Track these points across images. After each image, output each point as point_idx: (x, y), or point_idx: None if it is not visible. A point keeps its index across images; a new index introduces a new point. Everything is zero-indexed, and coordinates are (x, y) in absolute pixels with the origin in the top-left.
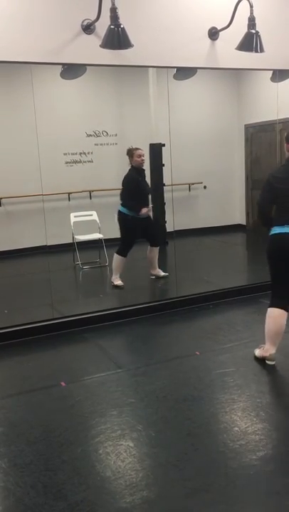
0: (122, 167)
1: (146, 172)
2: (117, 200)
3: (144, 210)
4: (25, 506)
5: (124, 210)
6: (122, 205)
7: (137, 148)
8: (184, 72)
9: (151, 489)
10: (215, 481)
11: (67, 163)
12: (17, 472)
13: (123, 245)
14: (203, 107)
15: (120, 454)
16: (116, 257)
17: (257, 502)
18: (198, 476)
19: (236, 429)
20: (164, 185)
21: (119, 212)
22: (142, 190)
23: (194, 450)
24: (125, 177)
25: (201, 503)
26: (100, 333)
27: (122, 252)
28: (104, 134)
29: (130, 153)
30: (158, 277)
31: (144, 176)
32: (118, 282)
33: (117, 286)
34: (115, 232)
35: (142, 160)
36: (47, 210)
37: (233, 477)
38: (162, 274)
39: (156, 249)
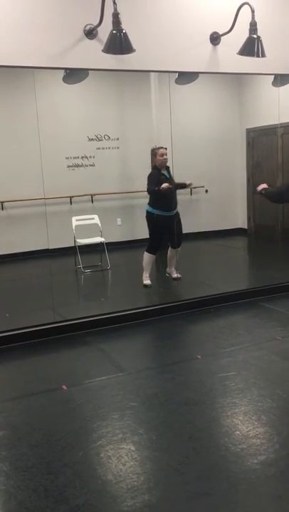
0: (124, 171)
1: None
2: (118, 203)
3: (164, 185)
4: (26, 510)
5: (149, 208)
6: (148, 203)
7: (159, 148)
8: (185, 77)
9: (152, 493)
10: (216, 485)
11: (69, 167)
12: (18, 475)
13: (150, 243)
14: (205, 112)
15: (121, 457)
16: (145, 255)
17: (258, 506)
18: (199, 479)
19: (238, 433)
20: None
21: (146, 211)
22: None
23: (196, 454)
24: (148, 176)
25: (202, 507)
26: (102, 336)
27: (150, 250)
28: (106, 138)
29: (153, 152)
30: (171, 277)
31: (170, 174)
32: (146, 282)
33: (145, 286)
34: (117, 236)
35: (165, 159)
36: (49, 213)
37: (235, 481)
38: (175, 275)
39: (174, 251)
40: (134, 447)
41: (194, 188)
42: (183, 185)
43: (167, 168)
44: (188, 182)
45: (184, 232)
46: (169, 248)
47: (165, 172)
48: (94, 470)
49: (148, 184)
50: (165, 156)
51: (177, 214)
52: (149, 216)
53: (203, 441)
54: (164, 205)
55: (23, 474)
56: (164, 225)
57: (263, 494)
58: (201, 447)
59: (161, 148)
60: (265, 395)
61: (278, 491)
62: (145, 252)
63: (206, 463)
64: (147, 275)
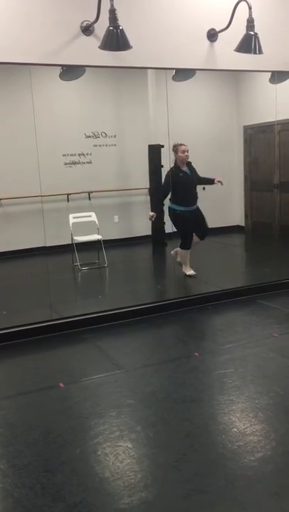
0: (121, 168)
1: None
2: (115, 201)
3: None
4: (23, 507)
5: (171, 205)
6: (169, 199)
7: (181, 144)
8: (182, 74)
9: (149, 490)
10: (214, 482)
11: (66, 164)
12: (16, 473)
13: (181, 239)
14: (202, 109)
15: (119, 455)
16: (181, 252)
17: (256, 503)
18: (196, 477)
19: (235, 430)
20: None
21: (168, 208)
22: (182, 185)
23: (193, 451)
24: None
25: (199, 504)
26: (99, 334)
27: (183, 246)
28: (103, 135)
29: (175, 148)
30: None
31: (191, 170)
32: (190, 272)
33: (189, 276)
34: (114, 234)
35: (186, 155)
36: (46, 211)
37: (232, 478)
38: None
39: (200, 242)
40: (131, 445)
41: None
42: (210, 181)
43: (189, 163)
44: (217, 180)
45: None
46: (197, 240)
47: (185, 169)
48: (91, 467)
49: (162, 183)
50: (186, 153)
51: (199, 208)
52: (173, 213)
53: (200, 438)
54: (185, 202)
55: (20, 472)
56: (190, 220)
57: (260, 491)
58: (198, 444)
59: (183, 145)
60: (263, 392)
61: (275, 487)
62: (180, 249)
63: (204, 460)
64: (188, 267)
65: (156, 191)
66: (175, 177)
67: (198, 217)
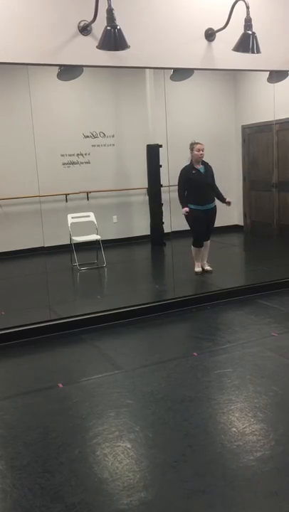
0: (120, 168)
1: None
2: (114, 201)
3: (183, 211)
4: (22, 508)
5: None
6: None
7: (197, 143)
8: (180, 73)
9: (148, 490)
10: (213, 482)
11: (64, 164)
12: (14, 474)
13: (193, 236)
14: (200, 108)
15: (118, 455)
16: (192, 249)
17: (255, 503)
18: (195, 477)
19: (234, 429)
20: (161, 186)
21: None
22: (194, 183)
23: (192, 451)
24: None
25: (198, 504)
26: (98, 334)
27: (194, 243)
28: (102, 135)
29: (191, 147)
30: (203, 270)
31: (207, 170)
32: (196, 269)
33: (196, 273)
34: (113, 234)
35: (201, 154)
36: (44, 211)
37: (231, 478)
38: (205, 267)
39: (205, 244)
40: (130, 445)
41: None
42: (221, 198)
43: (205, 163)
44: (227, 200)
45: (179, 229)
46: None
47: (200, 167)
48: (90, 468)
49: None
50: (201, 152)
51: (213, 209)
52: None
53: (199, 438)
54: (196, 200)
55: (19, 473)
56: (201, 219)
57: (259, 491)
58: (197, 444)
59: (198, 143)
60: (261, 392)
61: (274, 487)
62: (192, 246)
63: (203, 460)
64: (198, 263)
65: (155, 191)
66: (188, 174)
67: (210, 218)
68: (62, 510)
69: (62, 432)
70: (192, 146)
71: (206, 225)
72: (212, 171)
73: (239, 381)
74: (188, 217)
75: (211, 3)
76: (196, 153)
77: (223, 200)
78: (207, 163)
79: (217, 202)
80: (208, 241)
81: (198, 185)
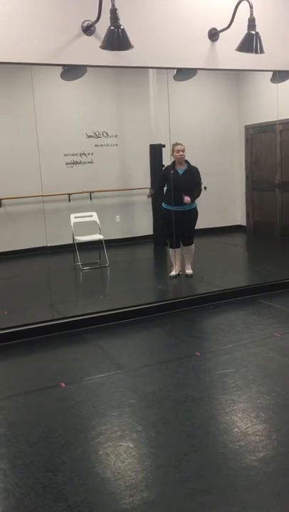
0: (123, 168)
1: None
2: (117, 200)
3: (185, 199)
4: (25, 507)
5: (163, 203)
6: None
7: (177, 144)
8: (184, 73)
9: (151, 490)
10: (215, 482)
11: (67, 164)
12: (17, 473)
13: (168, 238)
14: (204, 108)
15: (120, 454)
16: (169, 251)
17: (257, 503)
18: (198, 476)
19: (236, 430)
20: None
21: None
22: (170, 183)
23: (194, 451)
24: None
25: (201, 504)
26: (100, 334)
27: (170, 245)
28: (105, 134)
29: (172, 148)
30: (179, 275)
31: (188, 171)
32: (172, 273)
33: (170, 277)
34: (115, 233)
35: (181, 155)
36: (47, 211)
37: (233, 478)
38: (187, 272)
39: (185, 248)
40: (132, 444)
41: None
42: (194, 197)
43: (189, 165)
44: (186, 198)
45: None
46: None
47: (180, 168)
48: (92, 467)
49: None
50: (181, 153)
51: (190, 211)
52: (161, 210)
53: (201, 438)
54: (171, 200)
55: (22, 472)
56: (171, 219)
57: (262, 491)
58: (199, 444)
59: (179, 144)
60: (264, 392)
61: (277, 487)
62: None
63: (205, 460)
64: (173, 268)
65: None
66: (167, 174)
67: (186, 220)
68: (64, 509)
69: (65, 431)
70: (173, 147)
71: (182, 226)
72: (194, 174)
73: (242, 381)
74: (163, 217)
75: (215, 3)
76: (176, 154)
77: (187, 195)
78: (192, 166)
79: (206, 205)
80: (191, 246)
81: (173, 186)
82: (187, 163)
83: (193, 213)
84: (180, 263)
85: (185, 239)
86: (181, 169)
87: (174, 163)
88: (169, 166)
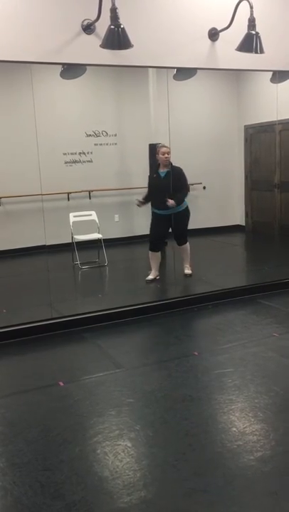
0: (122, 167)
1: (147, 171)
2: (116, 199)
3: (170, 202)
4: (22, 506)
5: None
6: None
7: (162, 146)
8: (183, 73)
9: (148, 489)
10: (213, 482)
11: (66, 163)
12: (15, 471)
13: (149, 240)
14: (203, 108)
15: (118, 453)
16: (149, 253)
17: (254, 502)
18: (195, 476)
19: (234, 429)
20: None
21: None
22: (152, 186)
23: (192, 450)
24: None
25: (198, 504)
26: (99, 333)
27: (150, 247)
28: (104, 134)
29: (156, 149)
30: (155, 279)
31: (170, 174)
32: (148, 276)
33: (146, 281)
34: (114, 232)
35: (166, 158)
36: (46, 209)
37: (231, 477)
38: (185, 271)
39: (180, 248)
40: (130, 444)
41: (192, 184)
42: (179, 201)
43: (173, 167)
44: (170, 202)
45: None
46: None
47: (163, 171)
48: (90, 466)
49: None
50: (166, 155)
51: (179, 213)
52: (152, 213)
53: (199, 437)
54: (156, 204)
55: (20, 470)
56: (160, 223)
57: (259, 491)
58: (197, 444)
59: (164, 146)
60: (262, 392)
61: (274, 487)
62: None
63: (203, 459)
64: (151, 271)
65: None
66: (150, 178)
67: (176, 221)
68: (62, 507)
69: (63, 430)
70: (158, 149)
71: (174, 228)
72: (177, 175)
73: (240, 381)
74: (151, 219)
75: (215, 2)
76: (161, 156)
77: (172, 198)
78: (176, 167)
79: (195, 206)
80: (186, 244)
81: (156, 189)
82: (170, 164)
83: (184, 214)
84: (158, 267)
85: (178, 239)
86: (163, 171)
87: (158, 165)
88: (152, 171)
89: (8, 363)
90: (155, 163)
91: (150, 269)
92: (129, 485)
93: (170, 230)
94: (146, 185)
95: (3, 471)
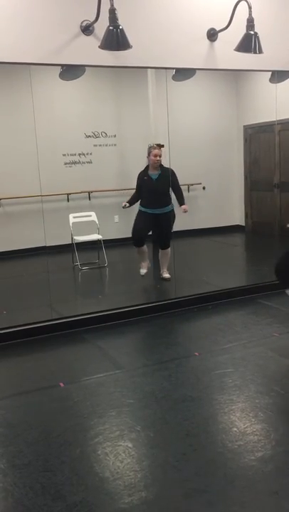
0: (121, 168)
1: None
2: (115, 200)
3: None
4: (23, 507)
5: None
6: None
7: (154, 148)
8: (182, 73)
9: (149, 490)
10: (213, 482)
11: (66, 164)
12: (16, 473)
13: (132, 236)
14: (202, 108)
15: (119, 454)
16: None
17: (255, 503)
18: (196, 476)
19: (235, 429)
20: None
21: None
22: (144, 188)
23: (193, 451)
24: None
25: (199, 504)
26: (99, 333)
27: (133, 243)
28: (104, 134)
29: (148, 150)
30: (162, 278)
31: (162, 176)
32: (141, 271)
33: (142, 276)
34: (114, 233)
35: (158, 160)
36: (46, 210)
37: (232, 478)
38: (163, 275)
39: (162, 251)
40: (131, 444)
41: (192, 185)
42: (180, 202)
43: (163, 169)
44: (183, 207)
45: (180, 229)
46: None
47: (154, 173)
48: (91, 467)
49: None
50: (158, 158)
51: (165, 214)
52: (138, 211)
53: (200, 438)
54: (144, 203)
55: (20, 471)
56: (144, 219)
57: (260, 490)
58: (198, 444)
59: (156, 148)
60: (263, 392)
61: (275, 487)
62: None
63: (204, 460)
64: (142, 265)
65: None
66: (140, 179)
67: (161, 223)
68: (63, 509)
69: (64, 431)
70: (150, 149)
71: (158, 229)
72: (169, 177)
73: (240, 381)
74: (136, 216)
75: (213, 3)
76: (153, 158)
77: (180, 204)
78: (167, 169)
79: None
80: (167, 249)
81: (147, 191)
82: (161, 166)
83: (170, 216)
84: (147, 258)
85: (161, 243)
86: (154, 174)
87: (147, 167)
88: (142, 172)
89: (9, 364)
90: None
91: (140, 264)
92: (130, 485)
93: (150, 233)
94: None
95: (3, 473)
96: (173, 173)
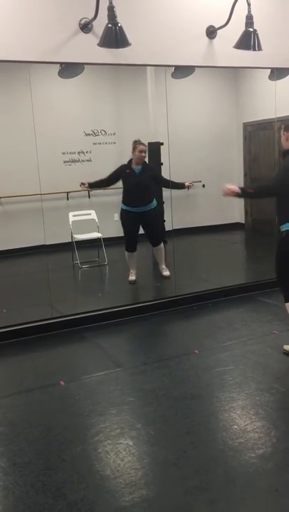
0: None
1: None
2: (115, 198)
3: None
4: (24, 505)
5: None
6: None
7: (140, 144)
8: (182, 71)
9: (150, 488)
10: (214, 479)
11: (65, 162)
12: (16, 471)
13: (124, 239)
14: (202, 106)
15: (119, 452)
16: (125, 254)
17: (256, 500)
18: (197, 474)
19: (235, 427)
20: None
21: None
22: (126, 182)
23: (193, 448)
24: None
25: (200, 501)
26: (99, 332)
27: (125, 247)
28: (103, 133)
29: (133, 146)
30: (161, 275)
31: (145, 171)
32: (130, 277)
33: (129, 282)
34: (114, 231)
35: (143, 156)
36: (45, 209)
37: (233, 475)
38: (163, 273)
39: (155, 249)
40: (131, 442)
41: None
42: (181, 186)
43: (146, 164)
44: (187, 183)
45: (180, 226)
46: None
47: (137, 168)
48: (92, 465)
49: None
50: (144, 154)
51: (150, 212)
52: (120, 210)
53: (201, 435)
54: (127, 201)
55: (21, 470)
56: (130, 220)
57: (261, 488)
58: (198, 442)
59: (142, 144)
60: (263, 389)
61: (276, 484)
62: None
63: (204, 457)
64: (131, 272)
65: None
66: (122, 173)
67: (148, 221)
68: (64, 507)
69: (64, 430)
70: (135, 145)
71: (146, 228)
72: (153, 173)
73: (241, 379)
74: (120, 218)
75: (212, 0)
76: (138, 153)
77: (182, 186)
78: (150, 166)
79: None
80: (160, 245)
81: (130, 185)
82: (144, 163)
83: (154, 213)
84: (136, 267)
85: (152, 241)
86: (137, 168)
87: (130, 161)
88: (124, 165)
89: (9, 363)
90: (153, 161)
91: (130, 270)
92: (130, 483)
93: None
94: None
95: (4, 471)
96: (156, 168)
